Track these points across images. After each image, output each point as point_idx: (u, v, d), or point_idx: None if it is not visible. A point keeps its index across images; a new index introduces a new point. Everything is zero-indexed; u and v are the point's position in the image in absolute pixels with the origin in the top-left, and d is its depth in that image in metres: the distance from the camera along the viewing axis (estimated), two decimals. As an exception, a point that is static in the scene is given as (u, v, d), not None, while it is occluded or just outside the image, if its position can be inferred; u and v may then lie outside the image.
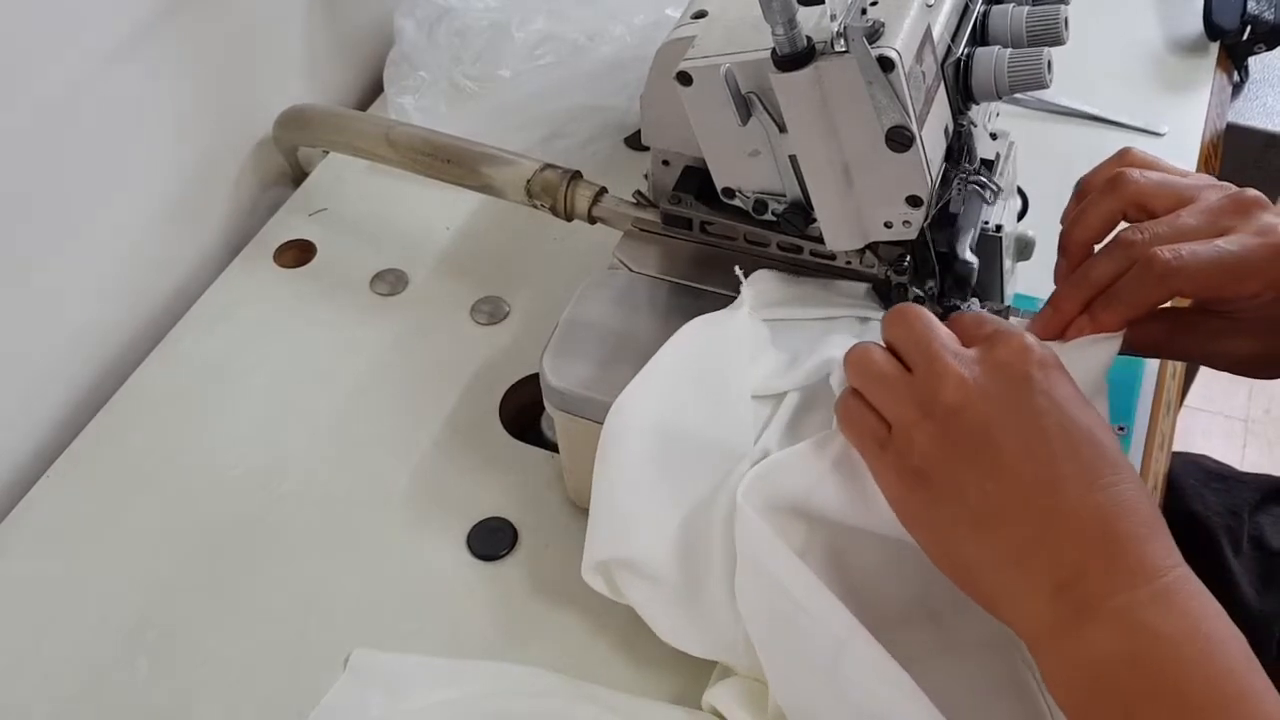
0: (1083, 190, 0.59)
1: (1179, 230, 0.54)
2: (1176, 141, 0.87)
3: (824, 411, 0.56)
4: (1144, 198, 0.55)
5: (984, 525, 0.47)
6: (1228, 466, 0.87)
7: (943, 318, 0.59)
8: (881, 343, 0.52)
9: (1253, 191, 0.55)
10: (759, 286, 0.60)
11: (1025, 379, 0.48)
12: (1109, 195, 0.56)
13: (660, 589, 0.56)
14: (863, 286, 0.61)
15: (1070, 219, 0.58)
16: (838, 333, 0.59)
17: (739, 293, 0.59)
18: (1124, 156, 0.58)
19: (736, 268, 0.60)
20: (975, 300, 0.60)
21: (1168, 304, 0.55)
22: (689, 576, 0.55)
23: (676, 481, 0.56)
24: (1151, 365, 0.73)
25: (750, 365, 0.57)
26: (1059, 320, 0.55)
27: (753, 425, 0.56)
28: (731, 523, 0.54)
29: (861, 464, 0.52)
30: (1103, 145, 0.85)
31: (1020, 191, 0.69)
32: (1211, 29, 0.95)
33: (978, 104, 0.58)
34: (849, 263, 0.62)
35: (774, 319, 0.59)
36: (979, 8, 0.58)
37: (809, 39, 0.51)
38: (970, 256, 0.59)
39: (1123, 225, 0.56)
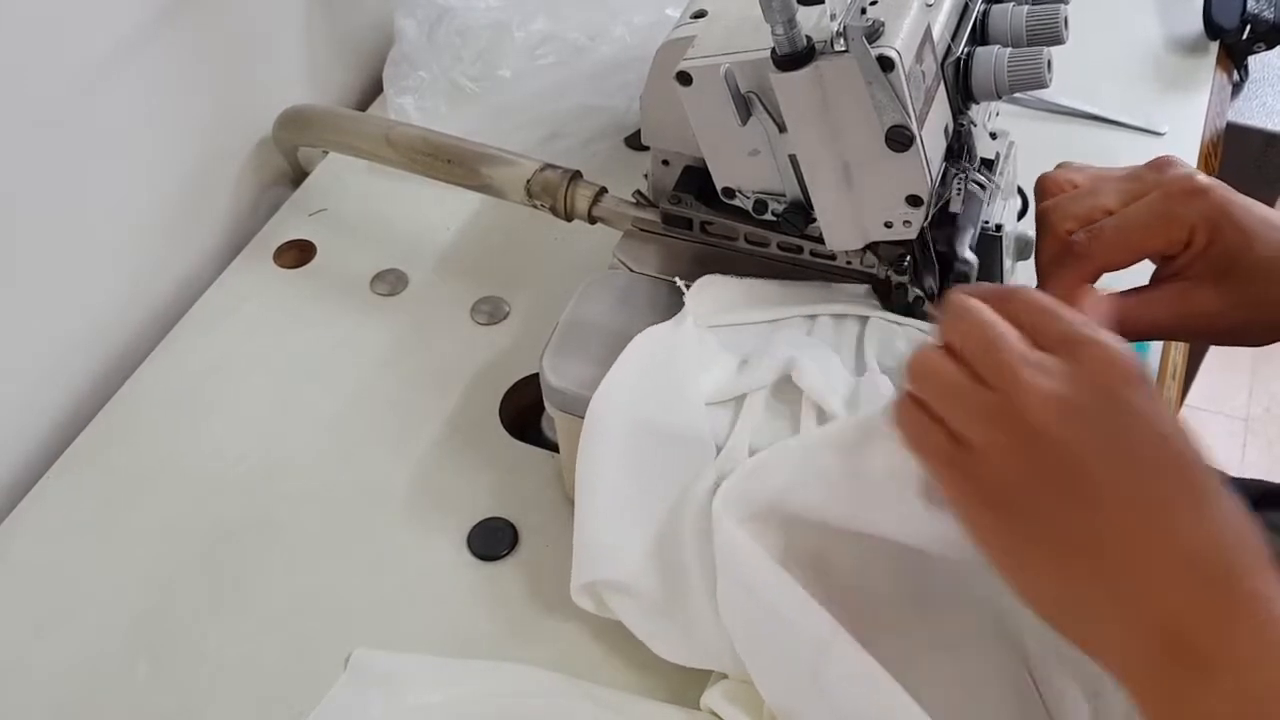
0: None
1: (1093, 198, 0.56)
2: (1176, 141, 0.87)
3: (790, 408, 0.56)
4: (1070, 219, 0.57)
5: (1077, 559, 0.42)
6: (1221, 471, 0.87)
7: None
8: (911, 343, 0.52)
9: (1164, 156, 0.58)
10: (704, 294, 0.60)
11: (1118, 397, 0.43)
12: (1044, 237, 0.58)
13: (646, 605, 0.56)
14: (818, 284, 0.62)
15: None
16: (786, 330, 0.59)
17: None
18: (1045, 186, 0.60)
19: (677, 279, 0.61)
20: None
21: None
22: (670, 591, 0.56)
23: (648, 497, 0.56)
24: (1152, 364, 0.73)
25: (701, 374, 0.57)
26: None
27: (711, 434, 0.56)
28: (701, 533, 0.54)
29: (843, 463, 0.51)
30: (1103, 144, 0.86)
31: (1020, 191, 0.69)
32: (1211, 28, 0.95)
33: (978, 103, 0.58)
34: (849, 263, 0.62)
35: (721, 325, 0.59)
36: (979, 7, 0.58)
37: (809, 38, 0.51)
38: (970, 255, 0.59)
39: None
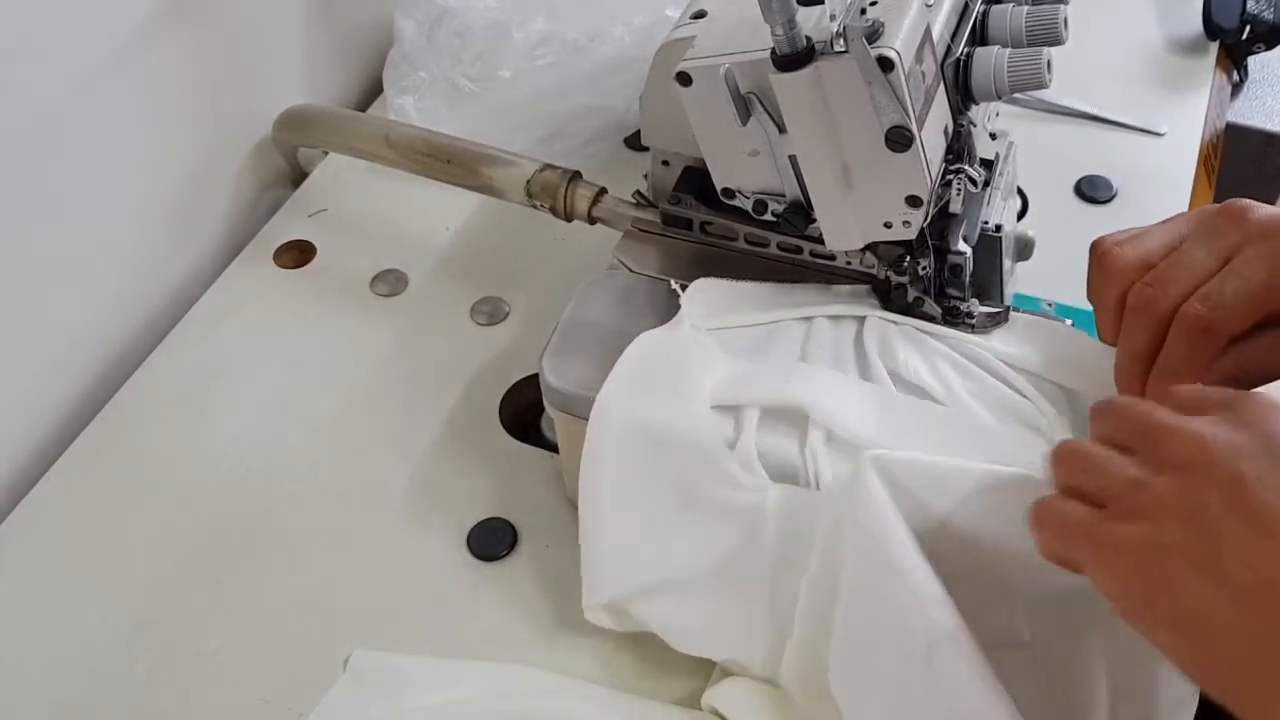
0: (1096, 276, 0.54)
1: (1186, 268, 0.50)
2: (1176, 141, 0.87)
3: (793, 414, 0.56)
4: (1133, 265, 0.52)
5: (1254, 599, 0.37)
6: None
7: (945, 315, 0.60)
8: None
9: (1232, 201, 0.52)
10: (699, 297, 0.60)
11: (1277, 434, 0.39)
12: (1101, 276, 0.53)
13: (674, 611, 0.56)
14: (813, 286, 0.62)
15: (1114, 339, 0.53)
16: (782, 333, 0.59)
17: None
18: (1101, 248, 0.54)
19: (673, 282, 0.60)
20: (975, 300, 0.60)
21: None
22: (698, 591, 0.56)
23: (660, 502, 0.56)
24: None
25: (703, 376, 0.57)
26: None
27: (721, 435, 0.55)
28: (716, 533, 0.54)
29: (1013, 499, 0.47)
30: (1103, 145, 0.86)
31: (1020, 191, 0.69)
32: (1211, 28, 0.95)
33: (977, 104, 0.58)
34: (849, 263, 0.62)
35: (717, 328, 0.59)
36: (978, 7, 0.58)
37: (808, 39, 0.50)
38: (964, 246, 0.59)
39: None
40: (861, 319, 0.60)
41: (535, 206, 0.70)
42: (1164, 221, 0.53)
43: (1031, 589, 0.52)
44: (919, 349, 0.59)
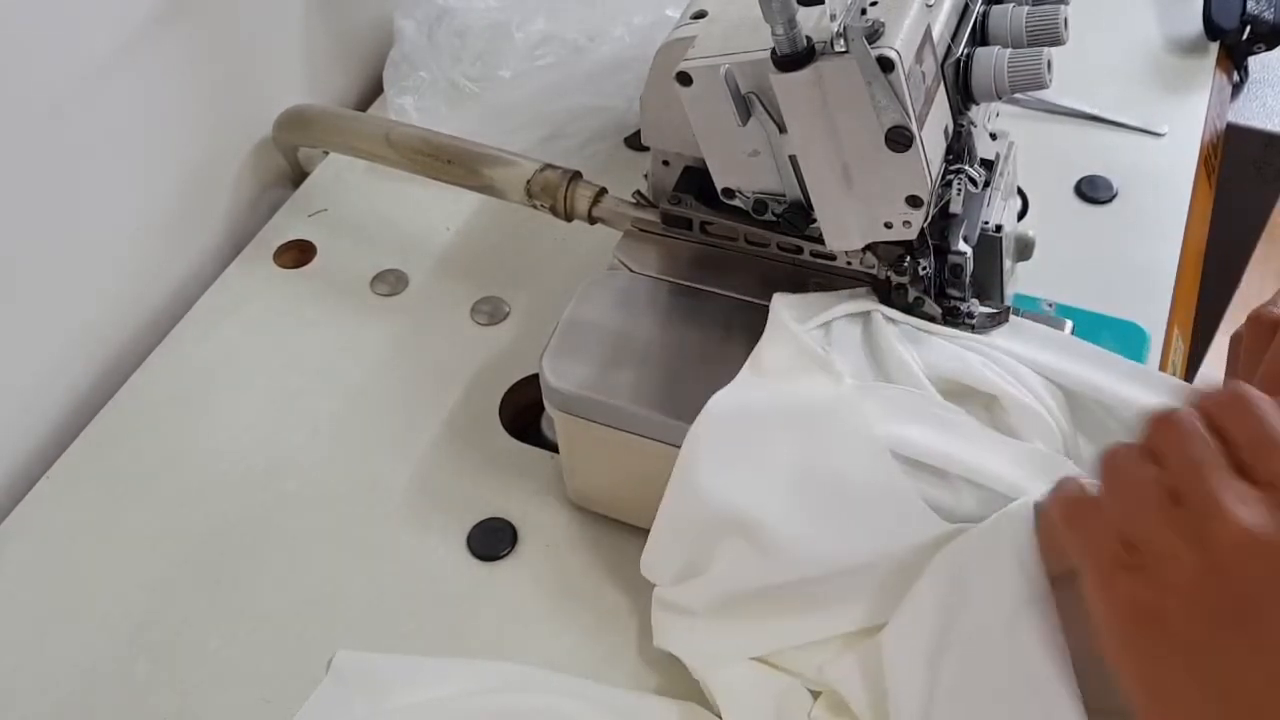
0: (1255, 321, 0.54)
1: None
2: (1176, 141, 0.87)
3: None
4: None
5: (1231, 703, 0.39)
6: None
7: (945, 315, 0.60)
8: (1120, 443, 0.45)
9: None
10: (796, 311, 0.59)
11: None
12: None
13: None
14: (819, 293, 0.61)
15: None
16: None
17: (749, 300, 0.58)
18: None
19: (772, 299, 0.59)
20: (975, 300, 0.60)
21: None
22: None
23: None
24: (1152, 362, 0.73)
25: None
26: None
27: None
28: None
29: None
30: (1103, 145, 0.86)
31: (1020, 191, 0.69)
32: (1211, 29, 0.95)
33: (978, 104, 0.58)
34: (849, 263, 0.62)
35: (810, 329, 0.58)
36: (979, 8, 0.58)
37: (809, 39, 0.50)
38: (964, 246, 0.59)
39: None
40: (866, 315, 0.60)
41: (535, 206, 0.70)
42: None
43: None
44: (919, 347, 0.59)
